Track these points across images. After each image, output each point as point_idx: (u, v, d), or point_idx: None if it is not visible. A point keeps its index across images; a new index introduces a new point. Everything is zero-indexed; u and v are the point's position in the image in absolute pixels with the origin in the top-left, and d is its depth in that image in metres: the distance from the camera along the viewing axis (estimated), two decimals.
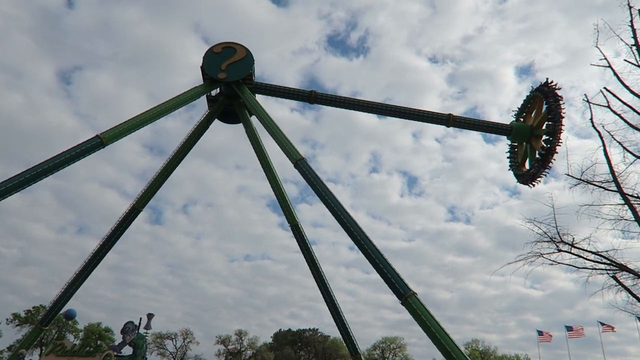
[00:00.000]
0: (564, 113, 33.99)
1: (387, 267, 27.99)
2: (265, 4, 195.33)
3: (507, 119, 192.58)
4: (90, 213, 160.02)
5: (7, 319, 64.27)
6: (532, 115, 38.82)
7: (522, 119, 40.02)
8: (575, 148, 36.27)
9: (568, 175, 23.75)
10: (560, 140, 33.77)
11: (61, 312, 39.38)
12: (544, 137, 35.61)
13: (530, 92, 38.54)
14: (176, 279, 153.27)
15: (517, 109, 40.46)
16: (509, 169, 40.69)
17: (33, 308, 64.80)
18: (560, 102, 34.37)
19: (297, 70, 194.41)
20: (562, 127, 33.78)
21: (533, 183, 36.69)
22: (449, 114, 38.24)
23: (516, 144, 40.00)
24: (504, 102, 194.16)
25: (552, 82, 35.84)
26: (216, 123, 44.95)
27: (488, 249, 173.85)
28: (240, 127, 45.43)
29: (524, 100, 39.61)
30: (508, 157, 40.81)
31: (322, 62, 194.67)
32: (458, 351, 24.39)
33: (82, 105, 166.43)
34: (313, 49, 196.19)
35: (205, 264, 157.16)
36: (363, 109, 41.55)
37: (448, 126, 38.95)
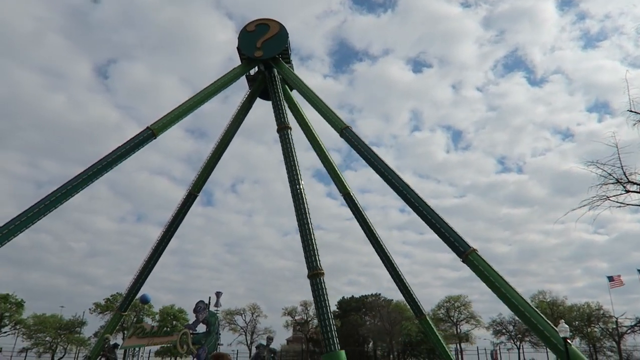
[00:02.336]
0: None
1: (444, 226, 27.80)
2: None
3: (551, 58, 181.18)
4: (145, 201, 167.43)
5: (89, 309, 69.22)
6: None
7: None
8: (631, 80, 32.66)
9: (631, 111, 22.33)
10: None
11: (136, 297, 41.81)
12: None
13: None
14: (234, 257, 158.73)
15: None
16: None
17: (111, 296, 69.28)
18: None
19: (324, 34, 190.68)
20: None
21: None
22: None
23: None
24: (546, 40, 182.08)
25: None
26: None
27: (544, 197, 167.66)
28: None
29: None
30: None
31: (348, 22, 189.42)
32: (525, 304, 24.05)
33: (121, 97, 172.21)
34: (338, 10, 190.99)
35: (259, 240, 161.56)
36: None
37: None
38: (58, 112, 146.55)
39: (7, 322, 63.17)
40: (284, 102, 40.38)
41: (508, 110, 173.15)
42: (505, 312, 68.36)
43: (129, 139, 33.09)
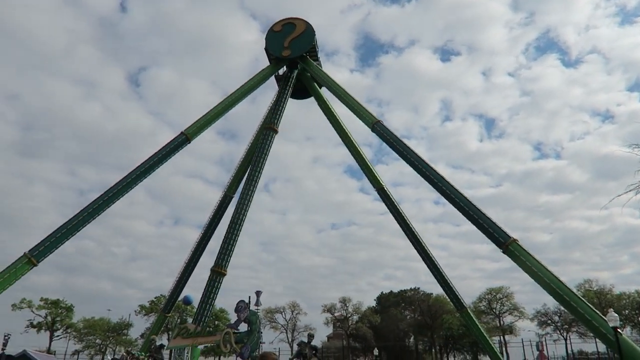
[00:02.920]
0: None
1: (483, 217, 27.28)
2: None
3: (585, 37, 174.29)
4: (181, 204, 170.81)
5: (135, 311, 71.39)
6: None
7: None
8: None
9: None
10: None
11: (179, 299, 42.80)
12: None
13: None
14: (270, 256, 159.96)
15: None
16: None
17: (155, 298, 71.23)
18: None
19: (349, 29, 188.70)
20: None
21: None
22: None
23: None
24: (580, 19, 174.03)
25: None
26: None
27: (585, 183, 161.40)
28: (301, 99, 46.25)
29: None
30: None
31: (372, 15, 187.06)
32: (571, 293, 23.37)
33: (153, 103, 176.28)
34: (361, 3, 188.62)
35: (294, 238, 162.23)
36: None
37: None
38: (94, 121, 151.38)
39: (59, 327, 65.91)
40: (285, 105, 40.78)
41: (542, 95, 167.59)
42: (550, 303, 66.62)
43: (163, 144, 33.88)
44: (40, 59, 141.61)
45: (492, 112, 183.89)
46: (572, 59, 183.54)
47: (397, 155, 32.90)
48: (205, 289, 32.27)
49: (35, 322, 63.55)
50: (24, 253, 27.10)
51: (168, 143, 33.75)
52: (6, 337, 37.47)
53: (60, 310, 65.25)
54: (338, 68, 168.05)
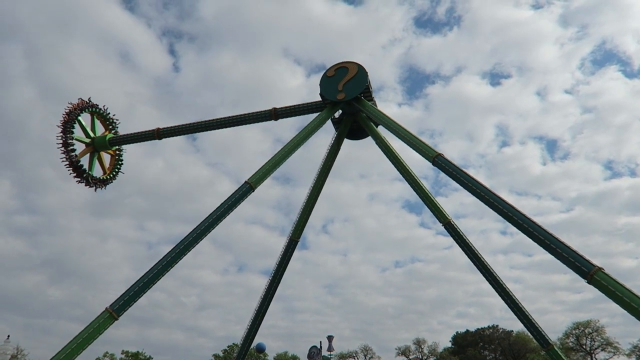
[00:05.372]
0: None
1: (561, 245, 25.74)
2: (341, 9, 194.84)
3: None
4: (244, 251, 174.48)
5: None
6: None
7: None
8: None
9: None
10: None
11: (252, 347, 42.86)
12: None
13: None
14: (335, 298, 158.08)
15: None
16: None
17: (228, 347, 72.03)
18: None
19: (392, 63, 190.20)
20: None
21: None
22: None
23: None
24: (638, 26, 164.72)
25: None
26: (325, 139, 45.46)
27: None
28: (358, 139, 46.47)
29: None
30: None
31: (414, 47, 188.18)
32: None
33: (210, 155, 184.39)
34: (402, 37, 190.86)
35: (358, 279, 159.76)
36: None
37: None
38: (157, 177, 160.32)
39: None
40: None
41: (607, 109, 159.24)
42: None
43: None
44: None
45: (552, 132, 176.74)
46: (634, 68, 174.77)
47: (455, 187, 32.31)
48: None
49: None
50: (106, 308, 28.37)
51: (233, 193, 34.71)
52: None
53: None
54: (385, 103, 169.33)
